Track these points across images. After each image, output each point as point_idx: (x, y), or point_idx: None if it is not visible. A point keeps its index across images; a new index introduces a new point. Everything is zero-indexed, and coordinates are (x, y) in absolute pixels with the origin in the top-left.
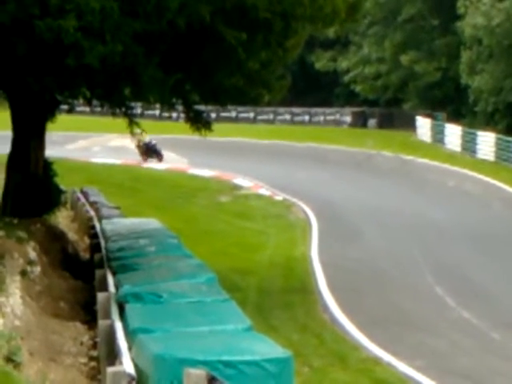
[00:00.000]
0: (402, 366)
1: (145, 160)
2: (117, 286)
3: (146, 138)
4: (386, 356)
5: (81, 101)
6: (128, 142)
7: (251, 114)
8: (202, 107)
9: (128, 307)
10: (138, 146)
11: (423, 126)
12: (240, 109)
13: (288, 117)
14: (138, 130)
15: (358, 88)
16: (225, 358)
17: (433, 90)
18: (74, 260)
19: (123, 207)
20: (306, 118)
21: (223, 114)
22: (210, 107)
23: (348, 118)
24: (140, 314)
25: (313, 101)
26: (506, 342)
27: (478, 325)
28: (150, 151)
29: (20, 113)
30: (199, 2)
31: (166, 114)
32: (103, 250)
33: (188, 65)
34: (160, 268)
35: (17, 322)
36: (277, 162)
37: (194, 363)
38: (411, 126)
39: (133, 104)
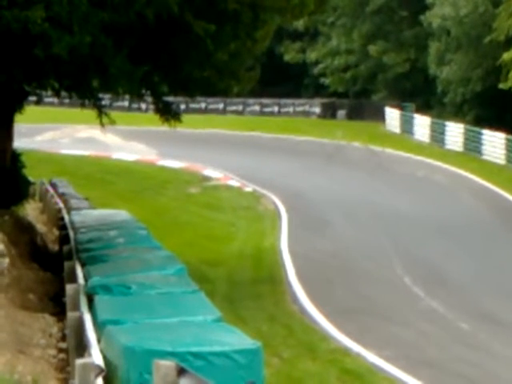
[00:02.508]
0: (371, 357)
1: None
2: (86, 278)
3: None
4: (354, 346)
5: (49, 92)
6: (97, 134)
7: (220, 105)
8: (171, 98)
9: (97, 299)
10: None
11: (392, 116)
12: (209, 100)
13: (257, 108)
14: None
15: (327, 81)
16: (194, 349)
17: (401, 81)
18: (43, 252)
19: (92, 199)
20: (276, 108)
21: (192, 106)
22: (179, 98)
23: (317, 109)
24: (109, 306)
25: (282, 92)
26: (475, 332)
27: (447, 315)
28: None
29: None
30: None
31: (135, 106)
32: (72, 242)
33: (157, 56)
34: (129, 259)
35: None
36: (246, 153)
37: (164, 354)
38: (380, 116)
39: (101, 95)
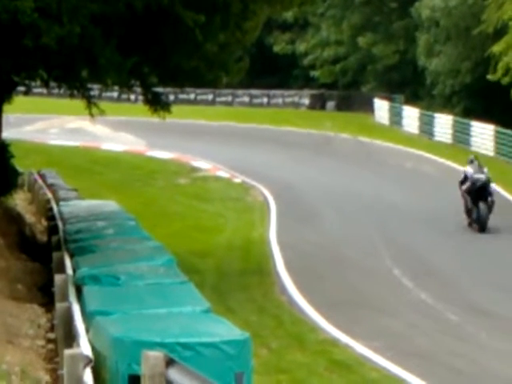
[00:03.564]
0: (360, 348)
1: None
2: (74, 269)
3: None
4: (343, 337)
5: (38, 82)
6: (86, 124)
7: (210, 96)
8: (160, 89)
9: (86, 289)
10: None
11: (381, 108)
12: (198, 91)
13: (247, 99)
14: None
15: (316, 74)
16: (183, 340)
17: (391, 72)
18: (32, 242)
19: (81, 189)
20: (265, 100)
21: (182, 96)
22: (168, 89)
23: (306, 101)
24: (98, 296)
25: (271, 83)
26: (463, 324)
27: (436, 306)
28: None
29: None
30: None
31: (124, 96)
32: (61, 233)
33: (146, 47)
34: (118, 250)
35: None
36: (235, 145)
37: (152, 345)
38: (369, 108)
39: (90, 86)
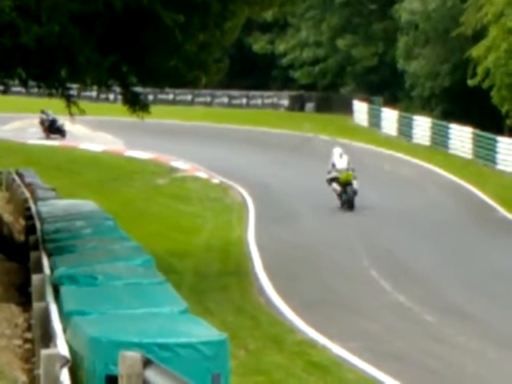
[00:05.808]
0: (337, 349)
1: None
2: (52, 268)
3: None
4: (321, 339)
5: (16, 81)
6: (64, 124)
7: (189, 97)
8: (139, 89)
9: (63, 289)
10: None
11: (360, 110)
12: (177, 91)
13: (226, 99)
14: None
15: (295, 74)
16: (160, 340)
17: (370, 74)
18: (9, 242)
19: (59, 189)
20: (244, 100)
21: (161, 96)
22: (147, 89)
23: (285, 102)
24: (75, 296)
25: (250, 84)
26: (441, 326)
27: (413, 308)
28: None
29: None
30: None
31: (103, 96)
32: (38, 232)
33: (125, 46)
34: (96, 250)
35: None
36: (214, 145)
37: (130, 346)
38: (348, 110)
39: (69, 85)
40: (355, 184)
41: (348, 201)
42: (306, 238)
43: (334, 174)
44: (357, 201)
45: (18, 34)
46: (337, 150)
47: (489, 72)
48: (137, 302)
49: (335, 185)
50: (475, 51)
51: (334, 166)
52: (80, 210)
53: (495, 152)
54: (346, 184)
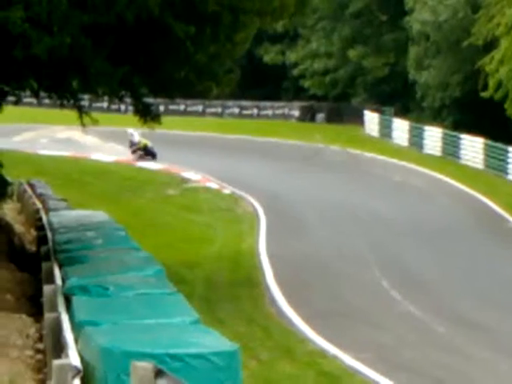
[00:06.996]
0: (348, 359)
1: (139, 158)
2: (63, 279)
3: (136, 138)
4: (332, 349)
5: (28, 92)
6: (75, 134)
7: (200, 107)
8: (150, 100)
9: (75, 300)
10: (134, 152)
11: (371, 120)
12: (188, 102)
13: (236, 110)
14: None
15: (306, 84)
16: (172, 350)
17: (381, 85)
18: (21, 252)
19: (70, 199)
20: (255, 111)
21: (172, 107)
22: (158, 100)
23: (296, 112)
24: (87, 307)
25: (261, 94)
26: (451, 336)
27: (424, 318)
28: (147, 153)
29: None
30: None
31: (114, 107)
32: (50, 243)
33: (136, 57)
34: (107, 260)
35: None
36: (225, 156)
37: (141, 356)
38: (359, 120)
39: (81, 96)
40: (150, 144)
41: (151, 153)
42: (316, 248)
43: (134, 147)
44: (368, 212)
45: (29, 45)
46: (130, 132)
47: (501, 83)
48: (148, 313)
49: (139, 152)
50: (488, 66)
51: (133, 142)
52: (91, 221)
53: (506, 162)
54: (145, 148)
